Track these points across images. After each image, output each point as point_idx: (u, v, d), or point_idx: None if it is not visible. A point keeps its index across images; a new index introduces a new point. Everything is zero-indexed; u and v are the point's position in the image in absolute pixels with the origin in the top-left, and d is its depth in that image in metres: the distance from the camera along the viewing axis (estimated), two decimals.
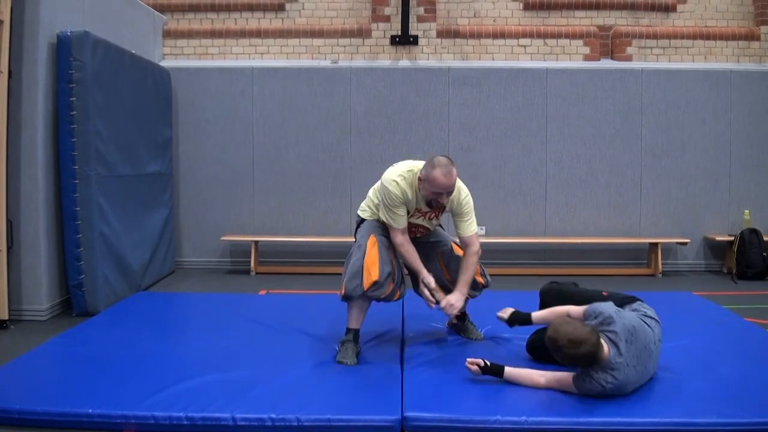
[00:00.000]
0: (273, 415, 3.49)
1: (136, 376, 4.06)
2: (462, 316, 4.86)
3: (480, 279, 4.78)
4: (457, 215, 4.54)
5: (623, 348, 3.63)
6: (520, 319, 4.34)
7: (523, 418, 3.46)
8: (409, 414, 3.50)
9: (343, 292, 4.39)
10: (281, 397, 3.76)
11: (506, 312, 4.42)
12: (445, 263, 4.74)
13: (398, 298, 4.54)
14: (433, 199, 4.33)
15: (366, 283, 4.31)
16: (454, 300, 4.38)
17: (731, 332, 5.13)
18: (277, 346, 4.74)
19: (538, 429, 3.44)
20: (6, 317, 5.60)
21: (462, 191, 4.54)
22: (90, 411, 3.54)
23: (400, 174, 4.46)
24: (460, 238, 4.58)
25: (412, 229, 4.59)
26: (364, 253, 4.40)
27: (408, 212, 4.47)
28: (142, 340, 4.90)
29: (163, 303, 6.29)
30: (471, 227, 4.53)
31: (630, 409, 3.58)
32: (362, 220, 4.72)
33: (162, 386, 3.89)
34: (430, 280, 4.41)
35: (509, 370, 3.91)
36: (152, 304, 6.20)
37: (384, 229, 4.54)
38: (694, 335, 4.99)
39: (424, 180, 4.31)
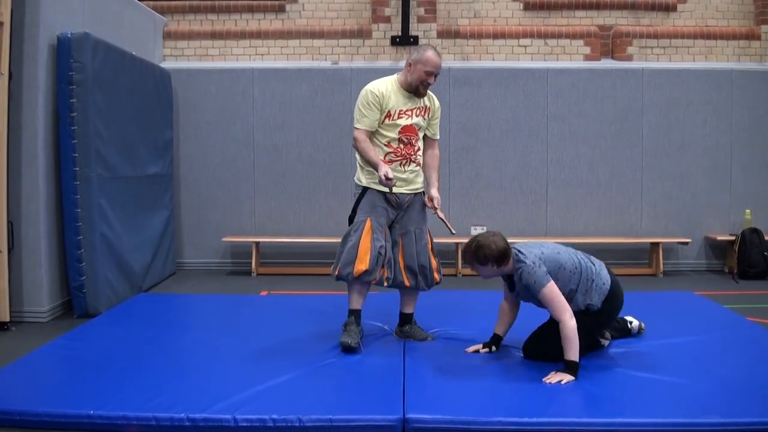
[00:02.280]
0: (274, 416, 3.49)
1: (137, 378, 4.06)
2: (408, 317, 4.98)
3: (436, 276, 4.92)
4: (433, 118, 4.92)
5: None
6: (573, 369, 4.06)
7: (525, 419, 3.45)
8: (410, 415, 3.49)
9: (336, 273, 4.66)
10: (283, 397, 3.76)
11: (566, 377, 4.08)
12: (418, 246, 4.82)
13: (387, 280, 4.73)
14: (423, 81, 4.67)
15: (356, 272, 4.53)
16: (435, 194, 4.82)
17: (733, 332, 5.12)
18: (278, 346, 4.74)
19: (540, 430, 3.43)
20: (7, 319, 5.59)
21: (438, 101, 5.01)
22: (91, 412, 3.53)
23: (378, 80, 4.81)
24: (428, 140, 4.95)
25: (408, 134, 4.75)
26: (360, 239, 4.60)
27: (390, 115, 4.70)
28: (143, 341, 4.90)
29: (164, 304, 6.29)
30: (438, 131, 5.02)
31: (632, 409, 3.58)
32: (363, 191, 4.82)
33: (163, 387, 3.89)
34: (388, 170, 4.54)
35: (572, 355, 4.06)
36: (153, 305, 6.20)
37: (381, 200, 4.73)
38: (696, 335, 4.99)
39: (415, 63, 4.68)
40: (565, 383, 3.93)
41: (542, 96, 8.54)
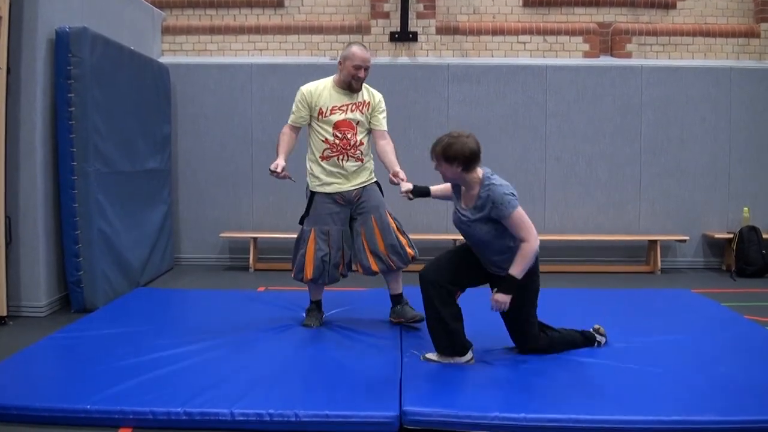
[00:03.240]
0: (271, 411, 3.50)
1: (134, 372, 4.06)
2: (397, 298, 5.30)
3: (410, 251, 5.21)
4: (375, 111, 5.18)
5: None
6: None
7: (522, 414, 3.46)
8: (407, 409, 3.50)
9: (293, 276, 5.20)
10: (280, 392, 3.77)
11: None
12: (379, 229, 5.15)
13: (341, 276, 5.22)
14: (353, 76, 4.97)
15: (305, 278, 5.13)
16: (402, 173, 5.06)
17: (730, 330, 5.14)
18: (275, 342, 4.75)
19: (537, 425, 3.44)
20: (4, 313, 5.59)
21: (375, 91, 5.30)
22: (88, 407, 3.54)
23: (314, 81, 5.16)
24: (376, 131, 5.19)
25: (342, 129, 5.05)
26: (306, 250, 5.08)
27: (322, 112, 5.04)
28: (140, 336, 4.90)
29: (161, 299, 6.29)
30: (385, 122, 5.23)
31: (629, 406, 3.59)
32: (311, 196, 5.17)
33: (160, 382, 3.90)
34: (277, 163, 5.01)
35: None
36: (151, 300, 6.20)
37: (328, 202, 5.09)
38: (693, 333, 5.00)
39: (344, 59, 5.00)
40: (503, 304, 4.07)
41: (541, 93, 8.54)
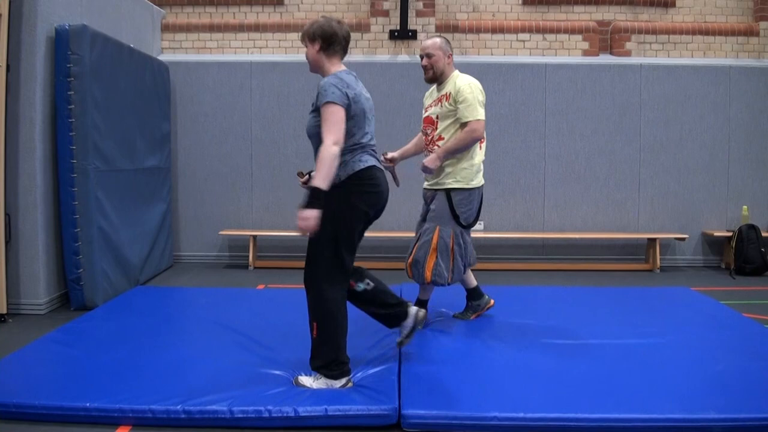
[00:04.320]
0: (270, 408, 3.50)
1: (133, 370, 4.07)
2: (419, 303, 5.17)
3: (427, 274, 4.93)
4: (456, 101, 4.86)
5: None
6: (313, 202, 3.63)
7: (521, 414, 3.47)
8: (406, 411, 3.50)
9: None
10: (279, 389, 3.77)
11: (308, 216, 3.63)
12: (419, 242, 5.03)
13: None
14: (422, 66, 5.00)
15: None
16: (426, 160, 4.98)
17: (729, 328, 5.14)
18: (274, 340, 4.75)
19: (536, 425, 3.45)
20: (4, 311, 5.59)
21: (462, 80, 4.91)
22: (87, 405, 3.54)
23: None
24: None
25: (425, 126, 5.16)
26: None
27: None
28: (140, 334, 4.90)
29: (161, 297, 6.29)
30: (465, 112, 4.81)
31: (628, 405, 3.59)
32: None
33: (159, 380, 3.90)
34: (393, 153, 5.25)
35: (319, 180, 3.63)
36: (150, 298, 6.20)
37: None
38: (692, 331, 5.01)
39: None
40: (305, 221, 3.57)
41: (540, 91, 8.54)
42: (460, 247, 4.92)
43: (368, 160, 3.87)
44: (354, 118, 3.81)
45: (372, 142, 3.97)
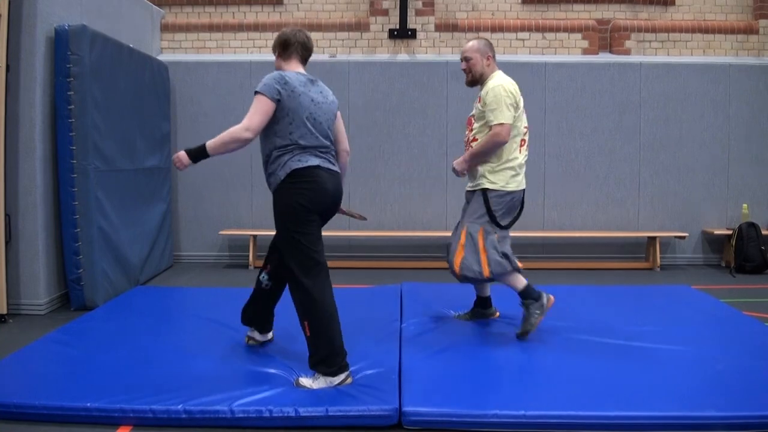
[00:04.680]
0: (271, 407, 3.50)
1: (134, 370, 4.07)
2: (479, 301, 5.34)
3: (456, 268, 4.83)
4: (484, 103, 4.78)
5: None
6: (194, 152, 4.16)
7: (521, 411, 3.47)
8: (407, 408, 3.50)
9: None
10: (280, 389, 3.77)
11: (182, 156, 4.14)
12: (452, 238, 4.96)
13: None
14: None
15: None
16: (455, 161, 4.93)
17: (729, 326, 5.14)
18: (275, 339, 4.75)
19: (537, 423, 3.45)
20: (4, 311, 5.59)
21: (495, 80, 4.81)
22: (88, 405, 3.54)
23: None
24: None
25: (467, 128, 5.08)
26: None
27: None
28: (140, 334, 4.91)
29: (161, 297, 6.30)
30: (490, 116, 4.70)
31: (628, 403, 3.59)
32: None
33: (160, 380, 3.90)
34: None
35: (210, 143, 4.08)
36: (151, 298, 6.20)
37: None
38: (692, 329, 5.00)
39: None
40: (179, 161, 4.05)
41: (540, 90, 8.54)
42: (492, 242, 4.72)
43: (309, 160, 3.95)
44: (289, 116, 3.92)
45: (322, 145, 4.03)
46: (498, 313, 5.38)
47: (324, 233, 8.41)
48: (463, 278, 4.81)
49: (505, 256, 4.75)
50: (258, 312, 4.60)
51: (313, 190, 3.95)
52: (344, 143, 4.41)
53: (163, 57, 8.57)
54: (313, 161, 3.96)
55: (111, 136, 6.46)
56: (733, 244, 8.17)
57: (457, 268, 4.79)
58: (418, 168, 8.62)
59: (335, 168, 4.12)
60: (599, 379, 3.97)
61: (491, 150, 4.73)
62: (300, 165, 3.93)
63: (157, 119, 7.85)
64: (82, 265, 6.04)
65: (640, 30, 8.75)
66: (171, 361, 4.25)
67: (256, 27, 8.84)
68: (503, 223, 4.83)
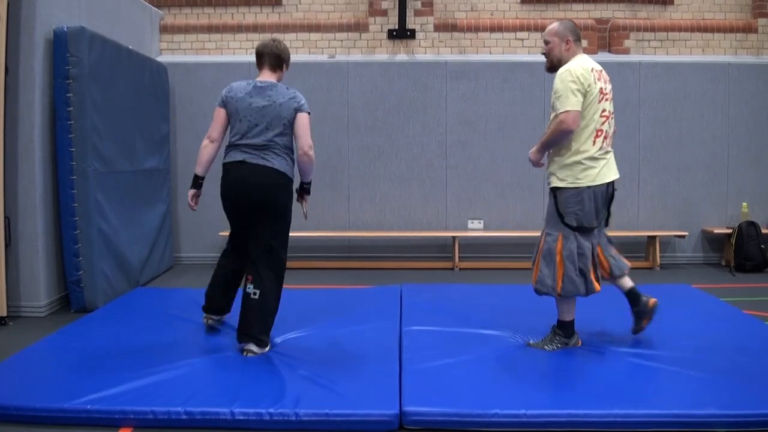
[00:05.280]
0: (271, 410, 3.50)
1: (134, 372, 4.06)
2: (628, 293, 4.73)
3: (534, 281, 4.53)
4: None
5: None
6: (193, 183, 4.97)
7: (522, 411, 3.47)
8: (407, 408, 3.50)
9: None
10: (279, 391, 3.77)
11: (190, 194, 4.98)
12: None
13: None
14: None
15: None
16: (529, 152, 4.66)
17: (730, 325, 5.15)
18: (275, 343, 4.74)
19: (537, 422, 3.45)
20: (4, 314, 5.59)
21: (565, 66, 4.40)
22: (89, 407, 3.55)
23: None
24: None
25: None
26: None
27: None
28: (140, 335, 4.90)
29: (161, 298, 6.28)
30: (555, 104, 4.34)
31: (629, 401, 3.60)
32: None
33: (160, 382, 3.90)
34: None
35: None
36: (151, 299, 6.20)
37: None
38: (693, 328, 5.01)
39: None
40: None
41: (539, 89, 8.53)
42: (570, 254, 4.37)
43: (232, 156, 4.54)
44: (232, 119, 4.57)
45: (253, 144, 4.47)
46: (581, 341, 4.69)
47: (324, 234, 8.42)
48: (538, 292, 4.51)
49: (581, 274, 4.39)
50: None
51: (222, 181, 4.62)
52: (300, 144, 4.53)
53: (162, 58, 8.57)
54: (236, 157, 4.50)
55: (110, 137, 6.46)
56: (733, 242, 8.17)
57: (534, 281, 4.50)
58: (417, 168, 8.62)
59: (264, 163, 4.47)
60: (599, 378, 3.97)
61: (557, 138, 4.35)
62: (225, 160, 4.59)
63: (157, 120, 7.84)
64: (82, 266, 6.04)
65: (639, 29, 8.75)
66: (171, 363, 4.25)
67: (255, 28, 8.84)
68: (578, 224, 4.39)
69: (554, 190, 4.45)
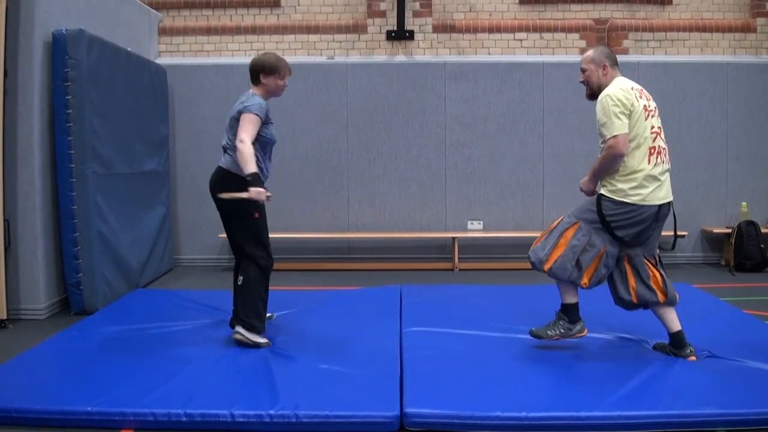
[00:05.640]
0: (271, 412, 3.50)
1: (134, 374, 4.07)
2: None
3: (658, 291, 4.41)
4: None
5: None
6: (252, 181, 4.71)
7: (524, 413, 3.47)
8: (408, 410, 3.50)
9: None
10: (280, 393, 3.78)
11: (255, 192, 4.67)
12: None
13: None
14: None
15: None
16: (581, 182, 4.63)
17: (730, 324, 5.15)
18: (275, 342, 4.74)
19: (539, 424, 3.45)
20: (4, 316, 5.59)
21: (605, 91, 4.36)
22: (89, 409, 3.54)
23: None
24: None
25: None
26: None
27: None
28: (140, 337, 4.90)
29: (161, 300, 6.28)
30: (603, 131, 4.31)
31: (630, 402, 3.60)
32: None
33: (161, 383, 3.90)
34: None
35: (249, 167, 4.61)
36: (150, 301, 6.20)
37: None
38: (693, 327, 4.99)
39: None
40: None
41: (538, 90, 8.54)
42: (577, 245, 4.33)
43: None
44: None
45: (223, 146, 4.90)
46: (586, 330, 4.59)
47: (323, 235, 8.42)
48: (528, 260, 4.50)
49: (577, 267, 4.33)
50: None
51: None
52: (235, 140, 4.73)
53: (161, 60, 8.57)
54: None
55: (109, 139, 6.46)
56: (733, 242, 8.17)
57: (533, 246, 4.49)
58: (416, 169, 8.62)
59: (219, 163, 4.93)
60: (600, 379, 3.97)
61: (610, 165, 4.33)
62: None
63: (156, 123, 7.84)
64: (82, 269, 6.04)
65: (637, 29, 8.75)
66: (171, 365, 4.25)
67: (254, 30, 8.84)
68: (619, 234, 4.34)
69: (600, 196, 4.41)
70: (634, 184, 4.34)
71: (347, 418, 3.48)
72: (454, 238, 8.29)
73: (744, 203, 8.43)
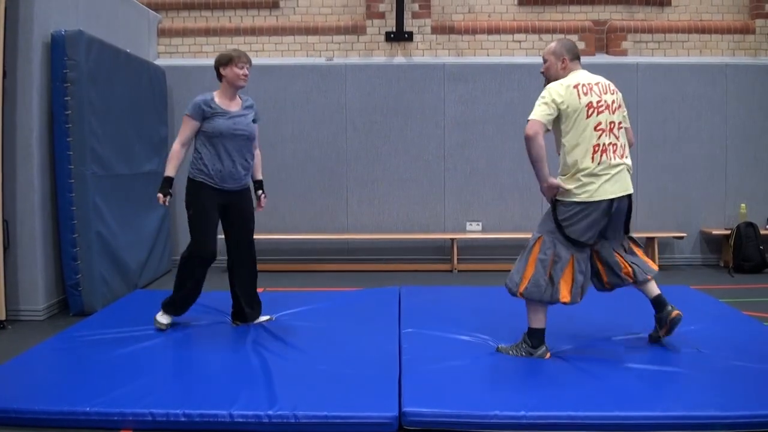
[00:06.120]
0: (270, 412, 3.50)
1: (133, 375, 4.07)
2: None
3: (628, 278, 4.52)
4: None
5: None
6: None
7: (522, 412, 3.47)
8: (407, 409, 3.50)
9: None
10: (278, 393, 3.77)
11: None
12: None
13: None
14: None
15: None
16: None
17: (729, 326, 5.15)
18: (272, 343, 4.75)
19: (537, 423, 3.45)
20: (3, 317, 5.59)
21: (550, 83, 4.51)
22: (88, 409, 3.54)
23: None
24: None
25: None
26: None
27: None
28: (139, 338, 4.90)
29: (160, 301, 6.26)
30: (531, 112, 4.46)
31: (628, 403, 3.60)
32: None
33: (159, 384, 3.90)
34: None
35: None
36: (149, 302, 6.16)
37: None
38: (692, 329, 5.00)
39: None
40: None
41: (537, 91, 8.34)
42: (545, 259, 4.36)
43: None
44: None
45: None
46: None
47: (322, 236, 8.42)
48: (506, 287, 4.46)
49: (550, 282, 4.30)
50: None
51: None
52: None
53: (160, 61, 8.57)
54: None
55: (108, 141, 6.45)
56: (732, 243, 8.17)
57: (523, 285, 4.38)
58: (416, 170, 8.62)
59: None
60: (599, 379, 3.97)
61: (529, 152, 4.51)
62: None
63: (155, 124, 7.84)
64: (81, 270, 6.04)
65: (636, 31, 8.76)
66: (170, 365, 4.26)
67: (253, 31, 8.84)
68: (573, 236, 4.33)
69: (554, 203, 4.46)
70: (578, 183, 4.36)
71: (346, 418, 3.48)
72: (453, 239, 8.29)
73: (743, 204, 8.44)
